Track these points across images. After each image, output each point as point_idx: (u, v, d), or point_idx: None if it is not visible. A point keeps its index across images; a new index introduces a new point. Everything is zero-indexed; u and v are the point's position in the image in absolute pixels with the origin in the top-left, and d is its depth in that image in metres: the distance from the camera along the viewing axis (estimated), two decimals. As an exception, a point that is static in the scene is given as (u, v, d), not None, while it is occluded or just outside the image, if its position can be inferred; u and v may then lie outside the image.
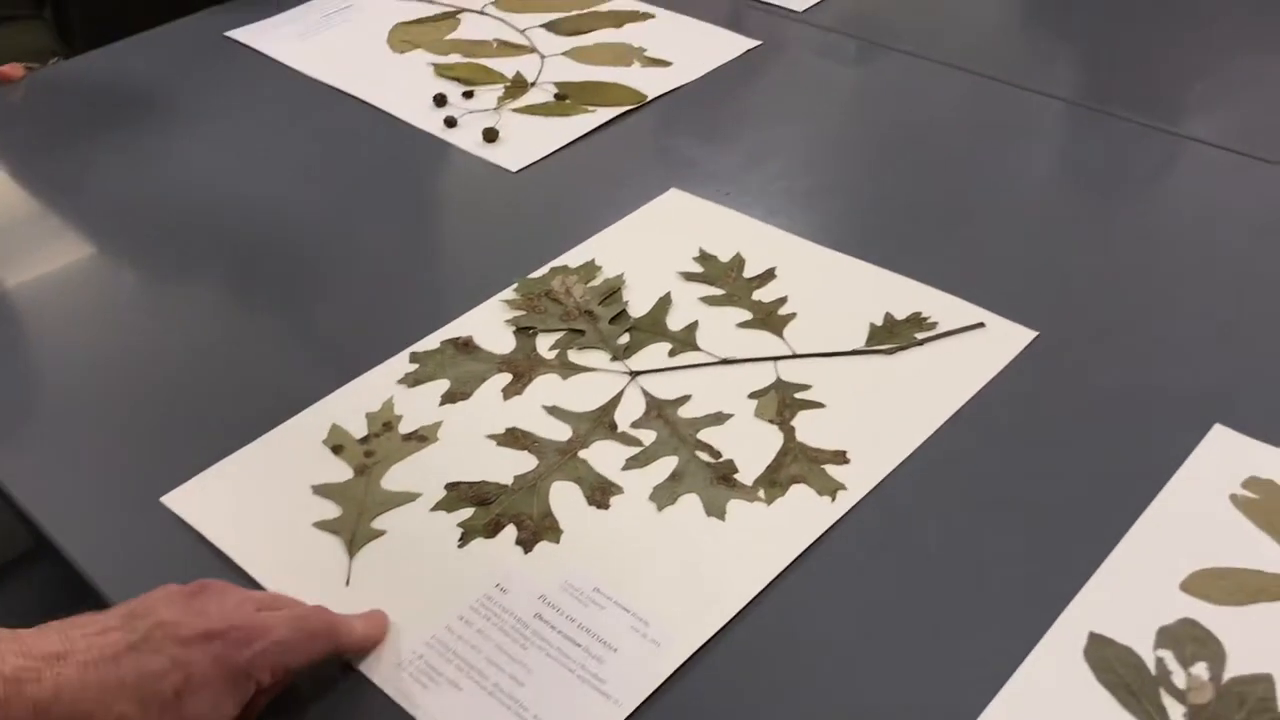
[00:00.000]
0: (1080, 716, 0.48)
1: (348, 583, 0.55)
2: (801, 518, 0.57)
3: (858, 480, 0.59)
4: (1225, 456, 0.59)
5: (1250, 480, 0.57)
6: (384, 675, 0.51)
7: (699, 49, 0.98)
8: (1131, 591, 0.52)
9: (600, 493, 0.59)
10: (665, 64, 0.96)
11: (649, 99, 0.92)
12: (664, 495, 0.59)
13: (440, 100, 0.92)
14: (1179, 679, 0.49)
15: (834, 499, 0.58)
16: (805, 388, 0.64)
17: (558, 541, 0.57)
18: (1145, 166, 0.83)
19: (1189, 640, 0.50)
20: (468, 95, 0.93)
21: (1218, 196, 0.79)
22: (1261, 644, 0.50)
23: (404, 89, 0.95)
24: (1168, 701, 0.48)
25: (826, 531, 0.56)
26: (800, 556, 0.55)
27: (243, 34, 1.05)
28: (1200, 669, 0.49)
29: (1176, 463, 0.58)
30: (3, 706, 0.40)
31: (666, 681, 0.50)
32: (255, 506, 0.59)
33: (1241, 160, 0.82)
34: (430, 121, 0.91)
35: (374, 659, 0.51)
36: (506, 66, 0.97)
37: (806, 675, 0.50)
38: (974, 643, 0.51)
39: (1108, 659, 0.50)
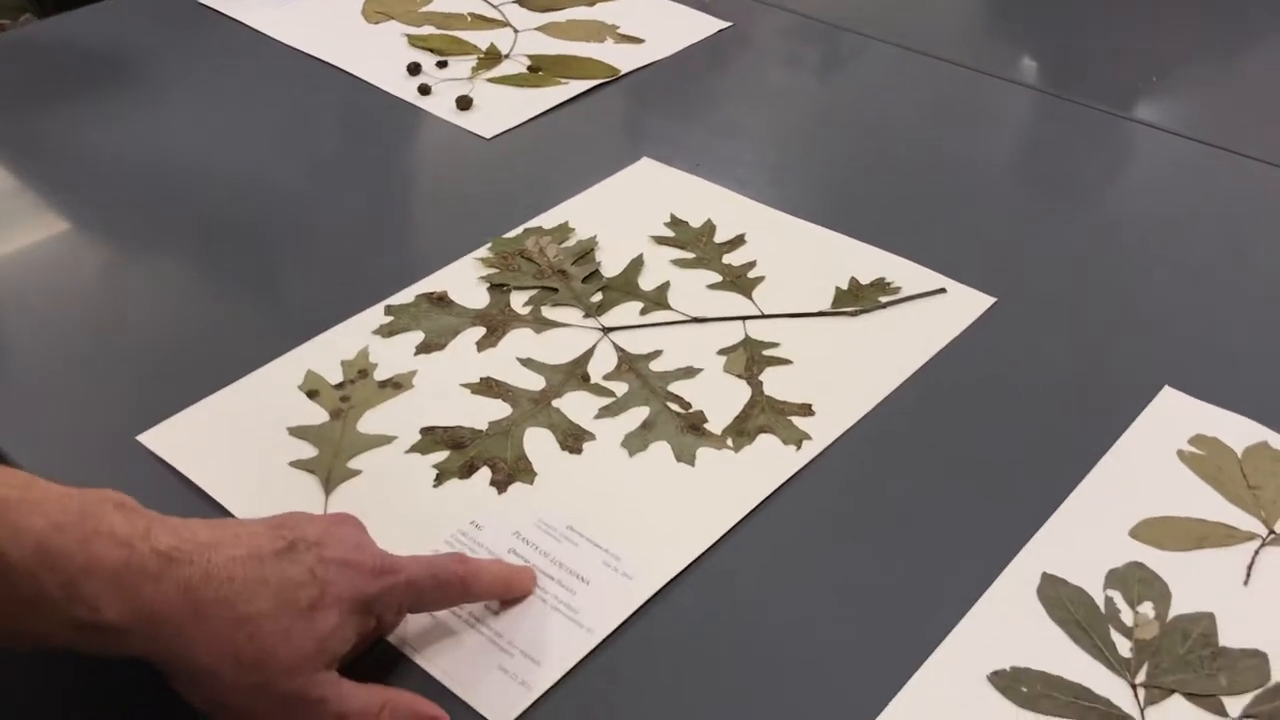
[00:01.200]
0: (1033, 650, 0.50)
1: (324, 519, 0.56)
2: (767, 465, 0.59)
3: (822, 431, 0.61)
4: (1173, 416, 0.61)
5: (1196, 437, 0.60)
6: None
7: (670, 28, 1.00)
8: (1083, 537, 0.55)
9: (573, 439, 0.61)
10: (637, 41, 0.98)
11: (621, 73, 0.93)
12: (635, 442, 0.60)
13: (414, 69, 0.93)
14: (1126, 617, 0.51)
15: (799, 448, 0.60)
16: (773, 345, 0.66)
17: (531, 483, 0.58)
18: (1105, 150, 0.86)
19: (1136, 581, 0.53)
20: (441, 65, 0.94)
21: (1172, 179, 0.82)
22: (1203, 585, 0.53)
23: (378, 58, 0.96)
24: (1116, 637, 0.50)
25: (791, 478, 0.58)
26: (766, 500, 0.57)
27: (214, 1, 1.06)
28: (1146, 608, 0.52)
29: (1128, 421, 0.61)
30: (155, 580, 0.42)
31: (636, 612, 0.52)
32: (232, 446, 0.60)
33: (1197, 147, 0.85)
34: (405, 89, 0.92)
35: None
36: (480, 39, 0.98)
37: (769, 611, 0.52)
38: (932, 581, 0.53)
39: (1060, 597, 0.52)
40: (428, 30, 1.00)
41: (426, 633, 0.51)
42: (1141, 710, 0.48)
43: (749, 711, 0.48)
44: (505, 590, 0.52)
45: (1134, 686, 0.49)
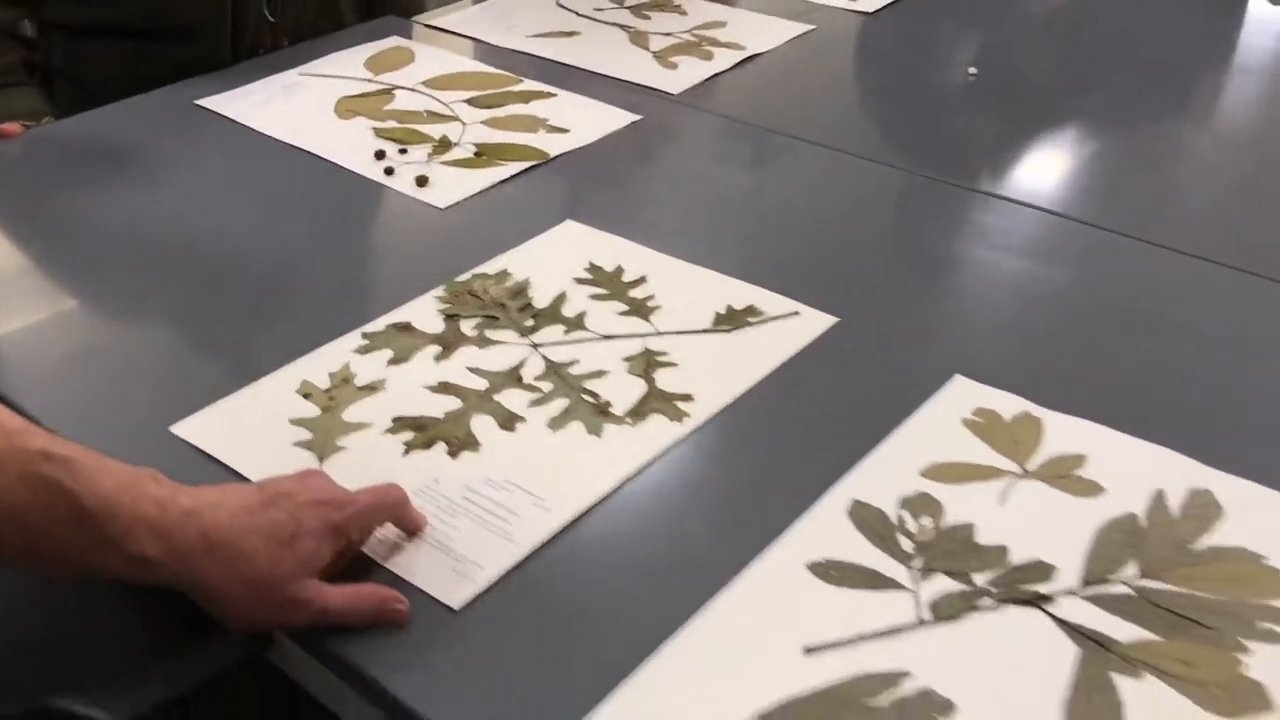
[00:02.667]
0: (841, 550, 0.69)
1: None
2: (656, 434, 0.78)
3: (699, 411, 0.80)
4: (961, 395, 0.81)
5: (978, 409, 0.80)
6: (351, 534, 0.70)
7: (592, 120, 1.21)
8: (885, 476, 0.74)
9: (509, 421, 0.79)
10: (564, 131, 1.19)
11: (551, 156, 1.14)
12: (557, 423, 0.79)
13: (380, 154, 1.14)
14: (911, 527, 0.70)
15: (680, 422, 0.79)
16: (665, 354, 0.86)
17: (477, 452, 0.77)
18: (926, 206, 1.07)
19: (921, 505, 0.72)
20: (403, 151, 1.15)
21: (963, 227, 1.04)
22: (971, 507, 0.72)
23: (350, 146, 1.16)
24: (902, 539, 0.70)
25: (674, 443, 0.77)
26: (655, 459, 0.76)
27: (211, 102, 1.26)
28: (926, 521, 0.71)
29: (926, 398, 0.81)
30: (181, 529, 0.60)
31: (556, 535, 0.70)
32: (246, 431, 0.78)
33: (993, 202, 1.07)
34: (373, 171, 1.12)
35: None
36: (435, 130, 1.19)
37: (654, 531, 0.71)
38: (772, 508, 0.72)
39: (864, 516, 0.71)
40: (391, 124, 1.21)
41: (395, 548, 0.69)
42: (915, 584, 0.67)
43: (638, 597, 0.66)
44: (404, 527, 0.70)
45: (911, 570, 0.68)
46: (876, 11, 1.50)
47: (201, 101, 1.26)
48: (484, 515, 0.72)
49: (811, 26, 1.45)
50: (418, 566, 0.68)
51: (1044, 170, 1.16)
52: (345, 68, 1.33)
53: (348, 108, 1.24)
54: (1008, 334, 0.89)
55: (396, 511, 0.69)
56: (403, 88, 1.28)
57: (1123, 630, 0.64)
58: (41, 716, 0.71)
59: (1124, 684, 0.61)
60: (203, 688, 0.73)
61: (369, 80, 1.30)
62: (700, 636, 0.64)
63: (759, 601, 0.66)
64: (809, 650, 0.63)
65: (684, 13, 1.50)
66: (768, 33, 1.43)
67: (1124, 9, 1.54)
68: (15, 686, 0.75)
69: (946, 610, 0.65)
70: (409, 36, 1.44)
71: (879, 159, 1.15)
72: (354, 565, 0.68)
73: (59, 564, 0.60)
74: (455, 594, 0.66)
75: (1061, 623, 0.64)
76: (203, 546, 0.61)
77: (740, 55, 1.37)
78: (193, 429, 0.79)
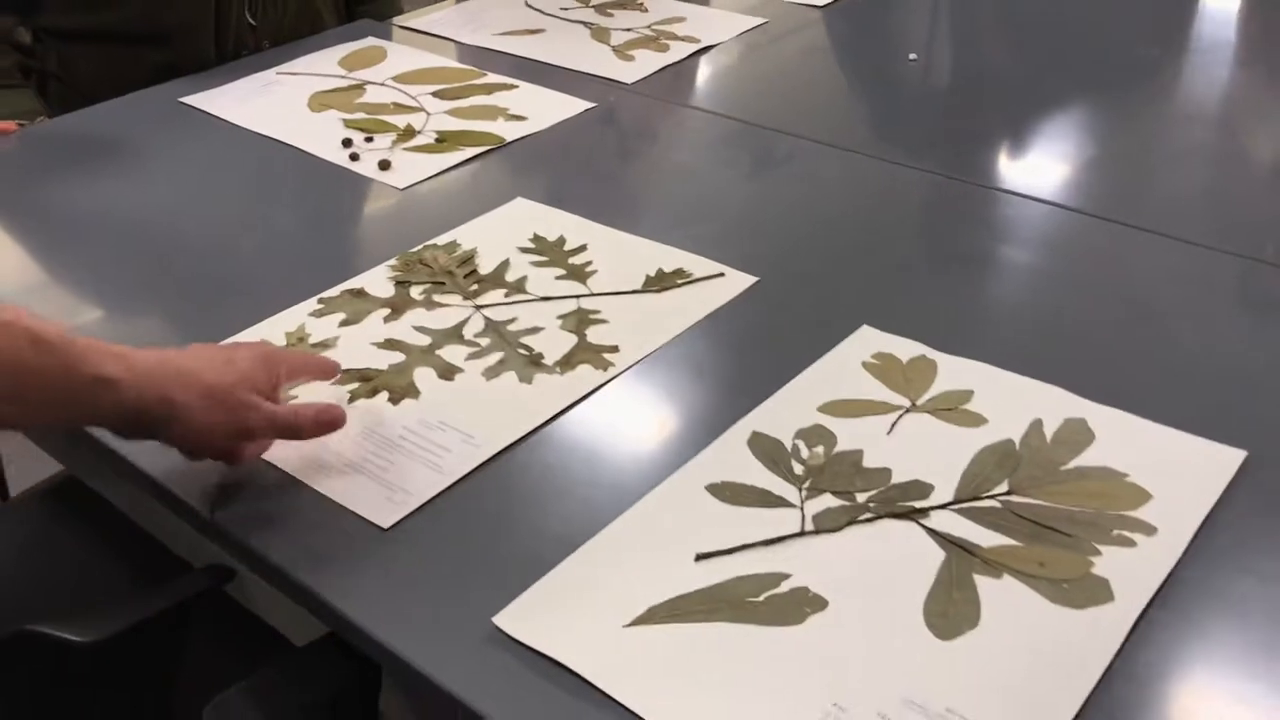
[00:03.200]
0: (738, 474, 0.76)
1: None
2: (582, 381, 0.85)
3: (622, 360, 0.87)
4: (864, 341, 0.88)
5: (877, 354, 0.87)
6: (305, 473, 0.77)
7: (549, 109, 1.29)
8: (786, 411, 0.81)
9: (448, 372, 0.87)
10: (522, 119, 1.27)
11: (507, 141, 1.22)
12: (491, 371, 0.87)
13: (347, 143, 1.21)
14: (804, 454, 0.77)
15: (605, 370, 0.86)
16: (597, 311, 0.93)
17: (417, 399, 0.84)
18: (839, 176, 1.14)
19: (815, 435, 0.79)
20: (368, 140, 1.22)
21: (887, 191, 1.11)
22: (861, 437, 0.79)
23: (320, 136, 1.24)
24: (794, 465, 0.76)
25: (597, 387, 0.85)
26: (579, 400, 0.83)
27: (194, 100, 1.34)
28: (819, 449, 0.78)
29: (833, 345, 0.88)
30: (133, 354, 0.68)
31: (482, 466, 0.77)
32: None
33: (893, 167, 1.14)
34: (339, 157, 1.19)
35: (300, 464, 0.77)
36: (400, 120, 1.27)
37: (573, 462, 0.78)
38: (682, 440, 0.79)
39: (762, 445, 0.78)
40: (360, 115, 1.28)
41: (331, 473, 0.76)
42: (802, 501, 0.73)
43: (552, 517, 0.73)
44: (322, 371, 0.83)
45: (800, 490, 0.74)
46: (827, 5, 1.57)
47: (186, 99, 1.34)
48: (417, 451, 0.79)
49: (765, 20, 1.53)
50: (354, 493, 0.75)
51: (960, 141, 1.23)
52: (320, 66, 1.41)
53: (320, 102, 1.32)
54: (910, 290, 0.96)
55: (324, 365, 0.81)
56: (373, 83, 1.36)
57: (987, 538, 0.71)
58: (20, 640, 0.79)
59: (984, 583, 0.68)
60: (165, 616, 0.81)
61: (342, 77, 1.38)
62: (603, 547, 0.71)
63: (660, 517, 0.73)
64: (700, 557, 0.70)
65: (645, 9, 1.58)
66: (723, 26, 1.51)
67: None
68: (1, 614, 0.82)
69: (828, 522, 0.72)
70: (385, 37, 1.52)
71: (810, 136, 1.22)
72: (295, 487, 0.75)
73: (34, 399, 0.66)
74: (386, 516, 0.73)
75: (932, 532, 0.71)
76: (155, 367, 0.69)
77: (694, 47, 1.45)
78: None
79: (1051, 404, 0.81)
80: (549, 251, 1.02)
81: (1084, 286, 0.96)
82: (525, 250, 1.02)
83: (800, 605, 0.66)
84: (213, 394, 0.70)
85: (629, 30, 1.51)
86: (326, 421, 0.75)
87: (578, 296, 0.95)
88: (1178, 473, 0.75)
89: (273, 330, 0.92)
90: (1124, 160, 1.20)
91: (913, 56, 1.43)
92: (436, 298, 0.96)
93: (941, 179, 1.14)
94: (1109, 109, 1.32)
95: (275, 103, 1.32)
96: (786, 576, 0.68)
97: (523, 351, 0.89)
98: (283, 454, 0.78)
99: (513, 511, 0.74)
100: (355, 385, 0.85)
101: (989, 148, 1.22)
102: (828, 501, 0.74)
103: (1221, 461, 0.75)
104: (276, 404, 0.75)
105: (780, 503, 0.74)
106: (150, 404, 0.69)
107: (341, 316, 0.93)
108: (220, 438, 0.72)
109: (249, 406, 0.72)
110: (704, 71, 1.41)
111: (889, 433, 0.79)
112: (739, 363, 0.88)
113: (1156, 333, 0.90)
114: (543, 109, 1.29)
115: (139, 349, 0.70)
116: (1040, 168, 1.18)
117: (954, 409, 0.81)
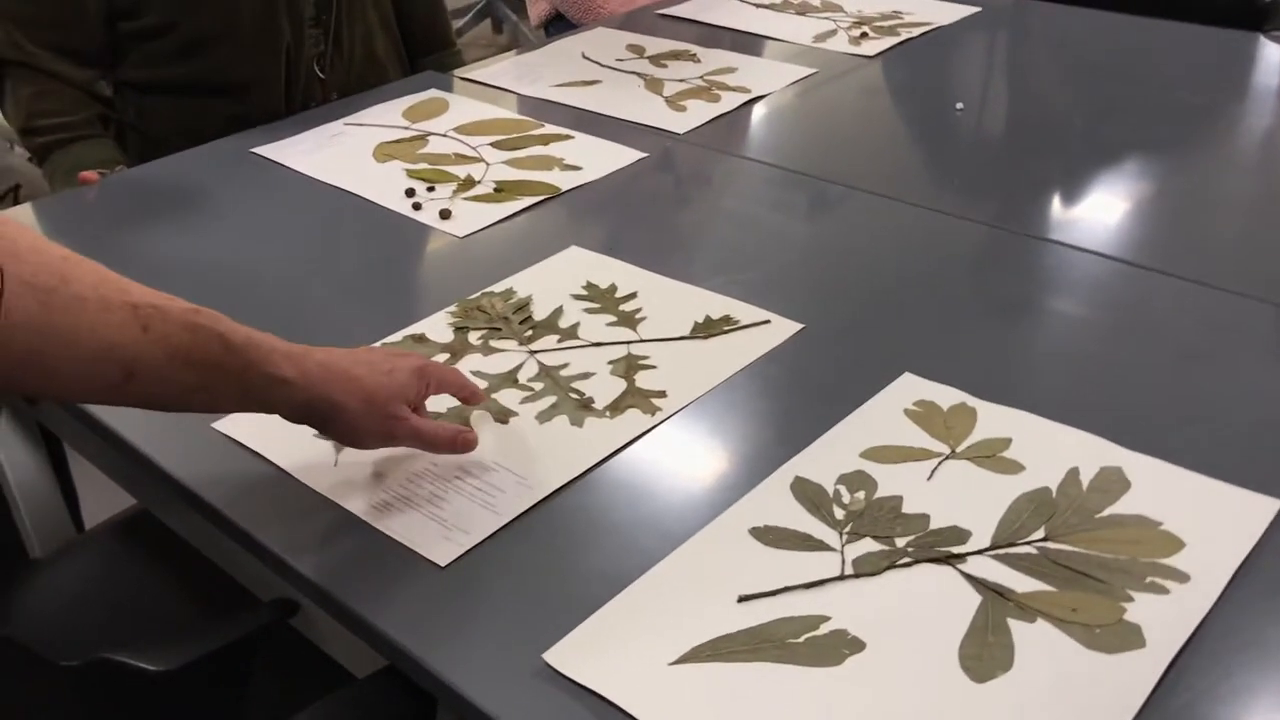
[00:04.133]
0: (780, 517, 0.78)
1: (335, 464, 0.86)
2: (631, 424, 0.89)
3: (670, 405, 0.90)
4: (906, 388, 0.91)
5: (919, 401, 0.89)
6: (367, 513, 0.81)
7: (602, 159, 1.33)
8: (828, 457, 0.84)
9: (503, 415, 0.90)
10: (577, 169, 1.31)
11: (562, 190, 1.26)
12: (544, 416, 0.90)
13: (410, 192, 1.26)
14: (845, 499, 0.80)
15: (653, 415, 0.89)
16: (646, 357, 0.97)
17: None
18: (882, 226, 1.17)
19: (857, 481, 0.82)
20: (430, 189, 1.27)
21: (934, 242, 1.13)
22: (901, 483, 0.81)
23: (384, 186, 1.29)
24: (835, 509, 0.79)
25: (645, 431, 0.88)
26: (628, 443, 0.87)
27: (265, 150, 1.40)
28: (860, 494, 0.80)
29: (875, 392, 0.90)
30: (304, 358, 0.76)
31: (534, 507, 0.81)
32: (278, 424, 0.90)
33: (943, 217, 1.16)
34: (403, 206, 1.24)
35: (363, 503, 0.81)
36: (461, 170, 1.32)
37: (621, 503, 0.81)
38: (725, 483, 0.82)
39: (804, 489, 0.81)
40: (422, 166, 1.34)
41: (392, 512, 0.80)
42: (843, 545, 0.76)
43: (601, 557, 0.77)
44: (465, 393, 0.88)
45: (841, 534, 0.77)
46: (876, 55, 1.61)
47: (257, 150, 1.40)
48: (473, 491, 0.82)
49: (814, 70, 1.56)
50: (413, 532, 0.79)
51: (1005, 190, 1.25)
52: (385, 117, 1.47)
53: (385, 152, 1.38)
54: (950, 340, 0.98)
55: (466, 387, 0.87)
56: (435, 134, 1.42)
57: (1022, 583, 0.73)
58: (98, 667, 0.83)
59: (1018, 627, 0.70)
60: (233, 646, 0.85)
61: (405, 128, 1.44)
62: (650, 587, 0.74)
63: (703, 559, 0.76)
64: (742, 599, 0.72)
65: (698, 60, 1.62)
66: (773, 77, 1.55)
67: (1129, 44, 1.63)
68: (75, 644, 0.87)
69: (867, 566, 0.74)
70: (446, 89, 1.57)
71: (858, 185, 1.25)
72: (358, 526, 0.79)
73: (221, 392, 0.74)
74: (443, 554, 0.77)
75: (968, 577, 0.73)
76: (323, 373, 0.77)
77: (745, 97, 1.49)
78: (230, 424, 0.91)
79: (1088, 452, 0.83)
80: (601, 298, 1.05)
81: (1124, 335, 0.98)
82: (578, 297, 1.06)
83: (839, 647, 0.69)
84: (372, 402, 0.78)
85: (682, 81, 1.55)
86: (460, 443, 0.83)
87: (628, 343, 0.99)
88: (1212, 521, 0.76)
89: (337, 374, 0.96)
90: (1168, 209, 1.22)
91: (960, 106, 1.46)
92: (493, 343, 1.00)
93: (986, 227, 1.16)
94: (1156, 158, 1.34)
95: (342, 153, 1.38)
96: (826, 619, 0.71)
97: (574, 396, 0.92)
98: (347, 494, 0.82)
99: (563, 551, 0.78)
100: (415, 428, 0.89)
101: (1034, 197, 1.24)
102: (868, 546, 0.76)
103: (1256, 510, 0.77)
104: (422, 415, 0.83)
105: (821, 546, 0.76)
106: (317, 403, 0.77)
107: (403, 361, 0.98)
108: (369, 440, 0.81)
109: (398, 419, 0.80)
110: (754, 121, 1.45)
111: (929, 479, 0.82)
112: (783, 408, 0.91)
113: (1194, 381, 0.91)
114: (597, 159, 1.33)
115: (315, 348, 0.78)
116: (1084, 217, 1.20)
117: (993, 456, 0.83)
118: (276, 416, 0.78)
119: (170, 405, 0.75)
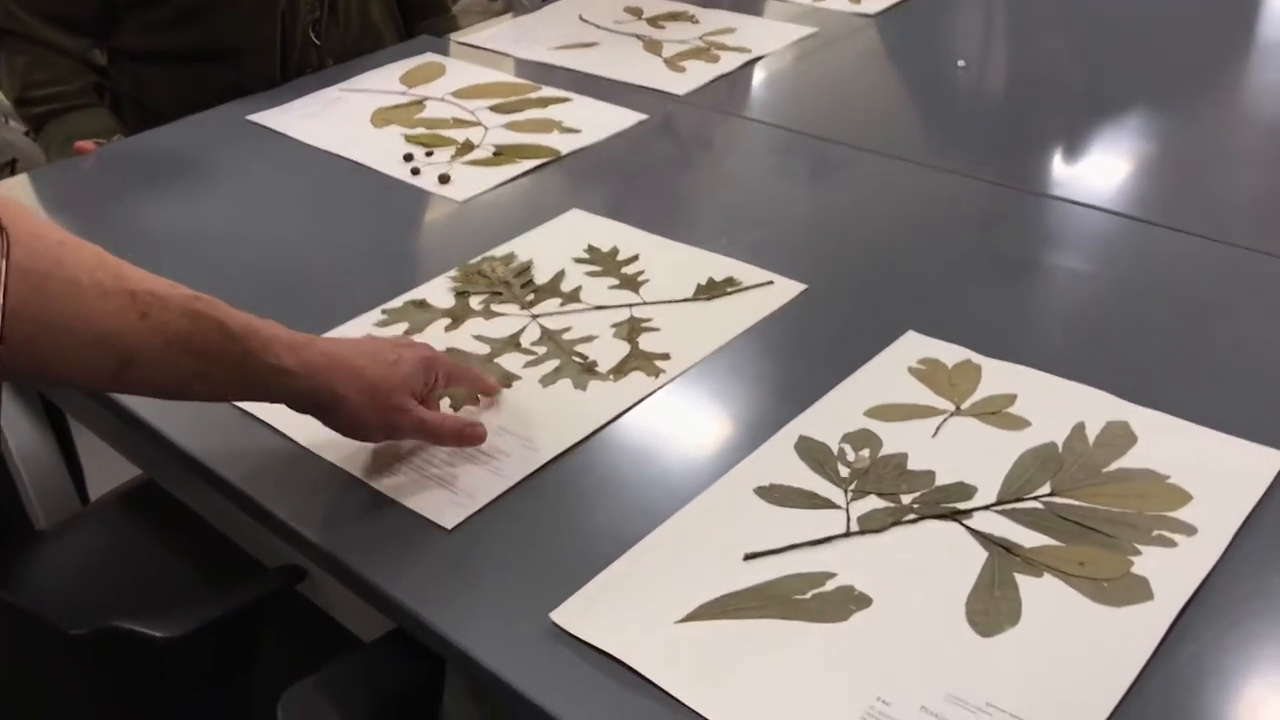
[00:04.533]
0: (786, 476, 0.78)
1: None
2: (635, 387, 0.88)
3: (674, 367, 0.90)
4: (910, 347, 0.90)
5: (923, 359, 0.89)
6: (374, 477, 0.81)
7: (602, 121, 1.32)
8: (832, 415, 0.83)
9: (506, 379, 0.90)
10: (576, 131, 1.30)
11: (562, 154, 1.25)
12: (548, 380, 0.90)
13: (408, 157, 1.26)
14: (850, 457, 0.80)
15: (656, 377, 0.89)
16: (649, 320, 0.96)
17: (478, 405, 0.87)
18: (882, 184, 1.16)
19: (861, 439, 0.81)
20: (429, 154, 1.27)
21: (926, 208, 1.13)
22: (906, 440, 0.81)
23: (382, 151, 1.28)
24: (840, 467, 0.79)
25: (650, 393, 0.88)
26: (632, 406, 0.86)
27: (261, 117, 1.39)
28: (864, 452, 0.80)
29: (880, 350, 0.90)
30: (306, 348, 0.75)
31: (540, 470, 0.81)
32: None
33: (939, 173, 1.15)
34: (401, 172, 1.24)
35: (369, 468, 0.81)
36: (459, 135, 1.31)
37: (626, 464, 0.81)
38: (731, 444, 0.82)
39: (809, 448, 0.81)
40: (420, 130, 1.33)
41: (398, 477, 0.80)
42: (848, 503, 0.76)
43: (607, 517, 0.77)
44: (479, 386, 0.87)
45: (846, 492, 0.77)
46: (877, 14, 1.59)
47: (253, 117, 1.39)
48: (478, 455, 0.82)
49: (815, 29, 1.55)
50: (419, 496, 0.79)
51: (1007, 147, 1.24)
52: (382, 83, 1.46)
53: (382, 117, 1.37)
54: (953, 297, 0.98)
55: (480, 380, 0.86)
56: (433, 98, 1.40)
57: (1029, 538, 0.73)
58: (105, 635, 0.83)
59: (1025, 582, 0.70)
60: (241, 613, 0.85)
61: (403, 93, 1.43)
62: (656, 546, 0.74)
63: (709, 518, 0.76)
64: (748, 557, 0.72)
65: (696, 21, 1.61)
66: (773, 36, 1.53)
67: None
68: (83, 612, 0.87)
69: (873, 523, 0.74)
70: (443, 53, 1.56)
71: (859, 144, 1.24)
72: (364, 491, 0.79)
73: (221, 380, 0.73)
74: (449, 517, 0.77)
75: (975, 532, 0.73)
76: (326, 363, 0.75)
77: (745, 58, 1.47)
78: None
79: (1094, 407, 0.83)
80: (603, 261, 1.05)
81: (1127, 290, 0.97)
82: (580, 261, 1.05)
83: (846, 603, 0.69)
84: (374, 393, 0.77)
85: (681, 42, 1.54)
86: (467, 436, 0.81)
87: (630, 305, 0.98)
88: (1218, 474, 0.76)
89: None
90: (1173, 165, 1.21)
91: (961, 64, 1.44)
92: (495, 307, 0.99)
93: (987, 185, 1.15)
94: (1160, 113, 1.33)
95: (339, 119, 1.37)
96: (832, 575, 0.71)
97: (577, 359, 0.92)
98: (353, 459, 0.82)
99: (569, 513, 0.78)
100: (418, 392, 0.89)
101: (1037, 154, 1.23)
102: (873, 503, 0.76)
103: (1262, 463, 0.77)
104: (429, 407, 0.81)
105: (826, 504, 0.76)
106: (319, 393, 0.76)
107: (404, 326, 0.97)
108: (372, 431, 0.79)
109: (402, 410, 0.78)
110: (755, 81, 1.43)
111: (934, 436, 0.81)
112: (787, 368, 0.90)
113: (1200, 336, 0.91)
114: (596, 121, 1.32)
115: (320, 338, 0.78)
116: (1088, 173, 1.19)
117: (998, 412, 0.83)
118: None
119: (171, 393, 0.73)
